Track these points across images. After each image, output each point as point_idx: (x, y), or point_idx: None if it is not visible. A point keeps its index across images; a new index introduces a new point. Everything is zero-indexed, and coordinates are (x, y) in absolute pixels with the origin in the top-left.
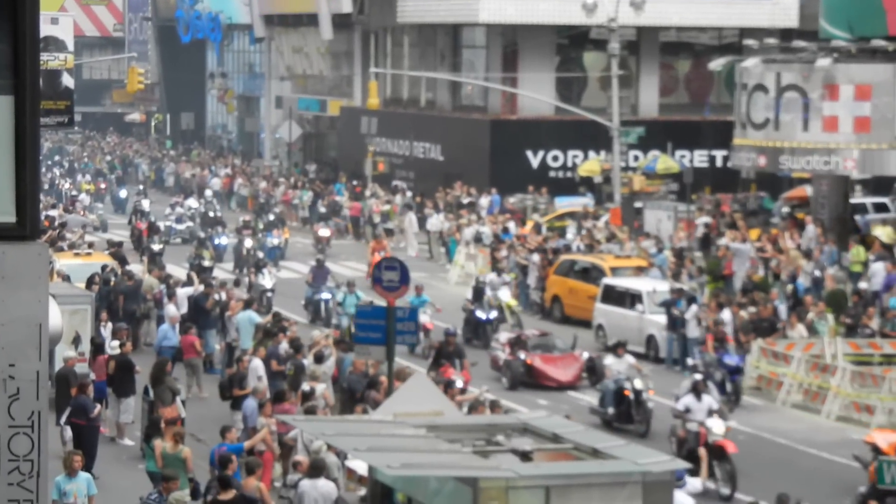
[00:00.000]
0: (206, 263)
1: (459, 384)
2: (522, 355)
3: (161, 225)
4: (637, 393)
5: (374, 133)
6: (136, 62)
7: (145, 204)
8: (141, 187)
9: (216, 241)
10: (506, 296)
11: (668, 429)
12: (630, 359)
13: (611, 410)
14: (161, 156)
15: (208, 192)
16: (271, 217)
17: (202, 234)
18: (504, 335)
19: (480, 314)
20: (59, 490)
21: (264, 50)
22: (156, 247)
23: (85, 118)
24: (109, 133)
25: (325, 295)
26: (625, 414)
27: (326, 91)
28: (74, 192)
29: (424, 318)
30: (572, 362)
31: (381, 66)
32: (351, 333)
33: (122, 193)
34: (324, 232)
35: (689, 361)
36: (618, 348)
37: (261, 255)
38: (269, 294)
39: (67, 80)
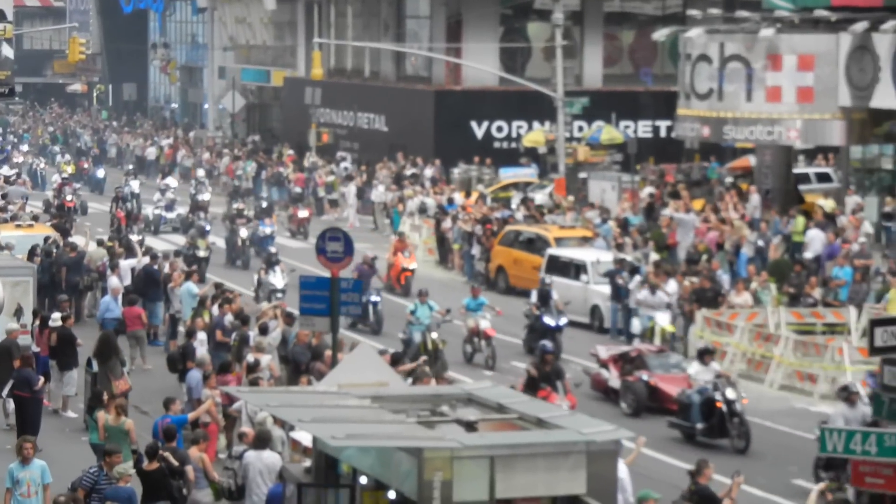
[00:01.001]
0: (202, 254)
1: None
2: (645, 376)
3: (150, 213)
4: (730, 403)
5: (318, 104)
6: (78, 32)
7: (134, 185)
8: (130, 167)
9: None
10: (664, 320)
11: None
12: (716, 366)
13: (699, 425)
14: (103, 127)
15: (200, 172)
16: (263, 204)
17: (203, 224)
18: (604, 350)
19: (549, 320)
20: (11, 478)
21: (207, 20)
22: (134, 237)
23: (26, 89)
24: (51, 104)
25: (374, 297)
26: (717, 428)
27: (270, 61)
28: (42, 168)
29: (485, 323)
30: (684, 382)
31: (325, 37)
32: (427, 350)
33: (100, 173)
34: (303, 213)
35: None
36: (704, 355)
37: (273, 250)
38: (280, 294)
39: (7, 51)
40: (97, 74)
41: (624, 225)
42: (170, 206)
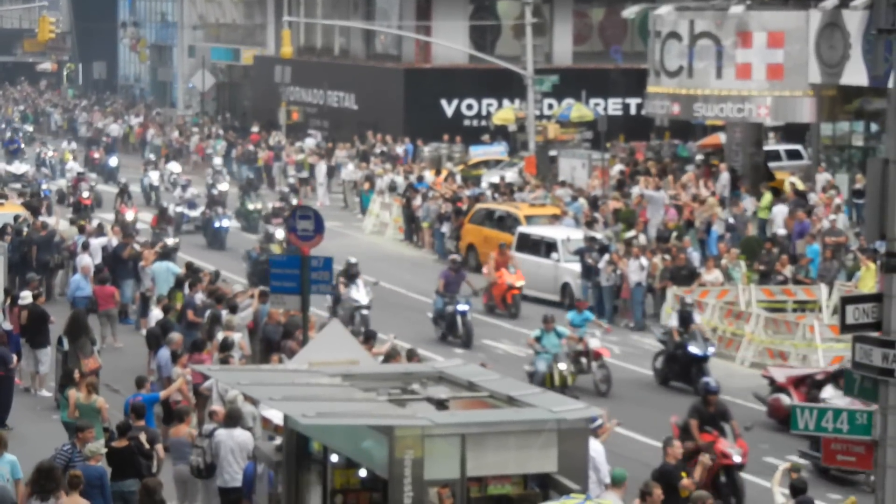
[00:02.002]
0: (170, 242)
1: (738, 459)
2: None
3: (170, 210)
4: None
5: (288, 82)
6: (47, 11)
7: (154, 177)
8: (151, 157)
9: (216, 225)
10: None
11: None
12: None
13: None
14: (74, 105)
15: (217, 161)
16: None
17: (270, 227)
18: (780, 372)
19: (695, 348)
20: None
21: None
22: (170, 241)
23: None
24: (20, 82)
25: (463, 306)
26: None
27: (239, 40)
28: (51, 156)
29: (594, 342)
30: None
31: (295, 15)
32: (553, 384)
33: (113, 161)
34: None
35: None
36: (838, 378)
37: (352, 260)
38: (365, 312)
39: None
40: (67, 53)
41: (594, 203)
42: (192, 204)
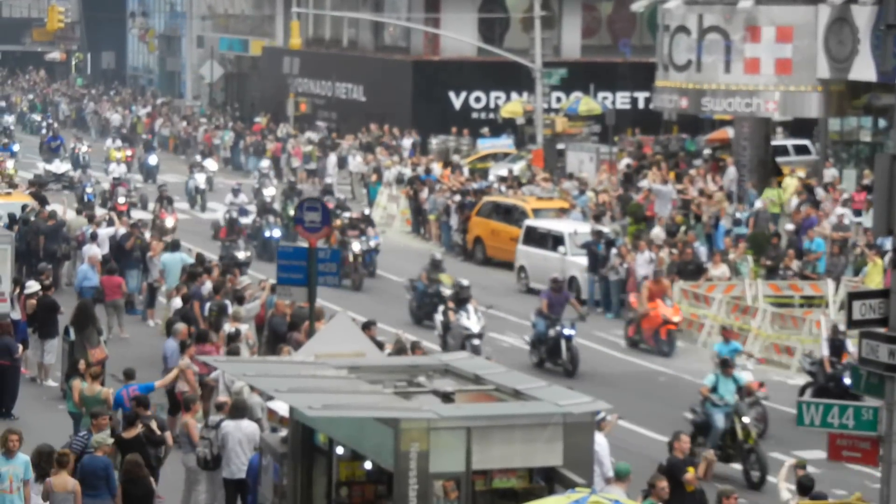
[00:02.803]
0: (447, 292)
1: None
2: None
3: (220, 218)
4: None
5: (296, 73)
6: (57, 0)
7: (200, 180)
8: (197, 157)
9: (267, 234)
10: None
11: None
12: None
13: None
14: (81, 95)
15: (264, 164)
16: (354, 212)
17: (436, 255)
18: None
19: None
20: None
21: None
22: (241, 254)
23: (5, 57)
24: (29, 71)
25: (569, 330)
26: None
27: (248, 31)
28: (85, 152)
29: (747, 375)
30: None
31: (303, 6)
32: (735, 442)
33: (152, 160)
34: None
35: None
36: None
37: (466, 284)
38: (477, 342)
39: None
40: (76, 43)
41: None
42: (244, 210)
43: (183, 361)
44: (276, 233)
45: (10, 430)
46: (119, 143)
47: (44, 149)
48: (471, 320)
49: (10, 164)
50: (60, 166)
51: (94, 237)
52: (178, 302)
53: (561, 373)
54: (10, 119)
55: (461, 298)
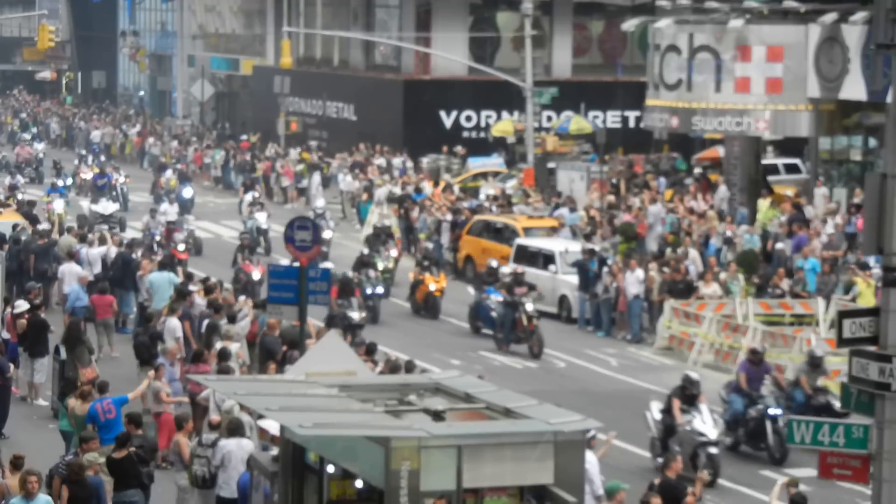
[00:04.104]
0: (355, 316)
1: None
2: None
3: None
4: None
5: (287, 92)
6: (47, 19)
7: (261, 219)
8: (256, 194)
9: (369, 291)
10: None
11: None
12: None
13: None
14: (72, 114)
15: (319, 203)
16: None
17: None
18: None
19: None
20: None
21: (176, 8)
22: (356, 315)
23: None
24: (19, 90)
25: (774, 409)
26: None
27: (239, 50)
28: (123, 183)
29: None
30: None
31: (294, 25)
32: None
33: (187, 192)
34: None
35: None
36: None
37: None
38: (715, 450)
39: None
40: (66, 62)
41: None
42: (323, 256)
43: (154, 384)
44: (380, 289)
45: (28, 471)
46: (169, 173)
47: (86, 187)
48: (706, 424)
49: (59, 204)
50: (108, 206)
51: (71, 255)
52: (174, 322)
53: (766, 459)
54: (39, 147)
55: (689, 395)
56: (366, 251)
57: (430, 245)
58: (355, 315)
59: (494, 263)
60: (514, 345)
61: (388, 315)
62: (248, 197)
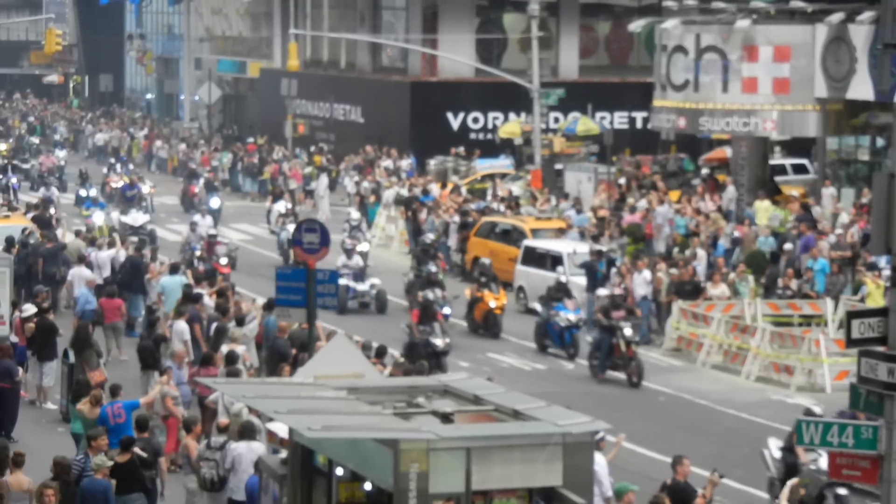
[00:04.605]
0: (439, 343)
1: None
2: None
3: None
4: None
5: (294, 95)
6: (54, 23)
7: (292, 231)
8: (288, 205)
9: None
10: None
11: None
12: None
13: None
14: (80, 118)
15: (354, 215)
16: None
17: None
18: None
19: None
20: None
21: (183, 11)
22: (440, 342)
23: (2, 80)
24: (27, 95)
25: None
26: None
27: (246, 52)
28: (149, 193)
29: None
30: None
31: (301, 28)
32: None
33: (214, 202)
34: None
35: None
36: None
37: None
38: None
39: None
40: (73, 65)
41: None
42: (359, 275)
43: (163, 388)
44: (447, 310)
45: (44, 484)
46: (200, 178)
47: (116, 197)
48: None
49: (98, 217)
50: (138, 217)
51: (81, 259)
52: (181, 325)
53: None
54: (61, 155)
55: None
56: (412, 272)
57: (486, 261)
58: (439, 342)
59: (563, 279)
60: (610, 372)
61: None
62: (279, 207)
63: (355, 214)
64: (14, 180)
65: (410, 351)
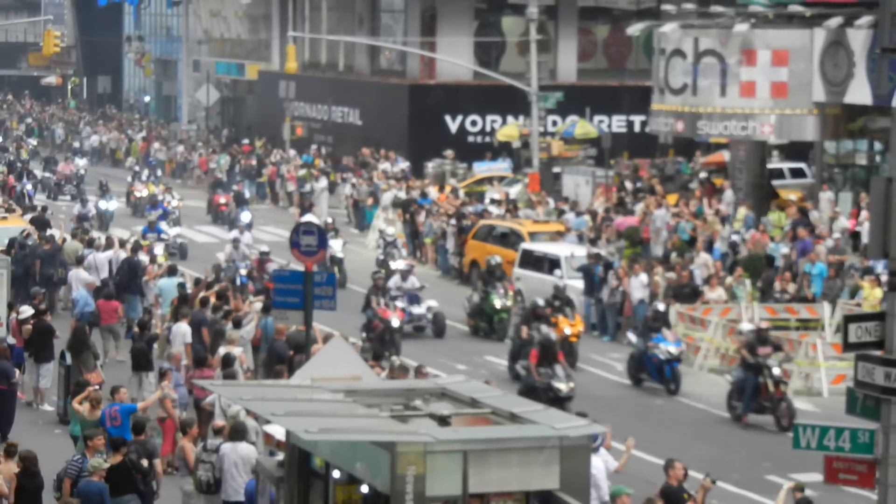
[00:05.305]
0: (562, 388)
1: None
2: None
3: (393, 320)
4: None
5: (293, 97)
6: (53, 25)
7: (336, 247)
8: (329, 219)
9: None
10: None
11: None
12: None
13: None
14: (78, 119)
15: (390, 230)
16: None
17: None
18: None
19: None
20: None
21: (182, 13)
22: (563, 386)
23: (0, 81)
24: (25, 97)
25: None
26: None
27: (244, 55)
28: (176, 206)
29: None
30: None
31: (300, 30)
32: None
33: (245, 216)
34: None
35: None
36: None
37: None
38: None
39: None
40: (72, 67)
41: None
42: (415, 297)
43: (162, 391)
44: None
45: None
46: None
47: (140, 205)
48: None
49: (160, 248)
50: (168, 231)
51: (80, 261)
52: (183, 326)
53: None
54: (81, 163)
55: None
56: (476, 294)
57: (561, 284)
58: (562, 386)
59: (662, 307)
60: (755, 415)
61: (591, 386)
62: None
63: (390, 230)
64: (29, 187)
65: (529, 395)
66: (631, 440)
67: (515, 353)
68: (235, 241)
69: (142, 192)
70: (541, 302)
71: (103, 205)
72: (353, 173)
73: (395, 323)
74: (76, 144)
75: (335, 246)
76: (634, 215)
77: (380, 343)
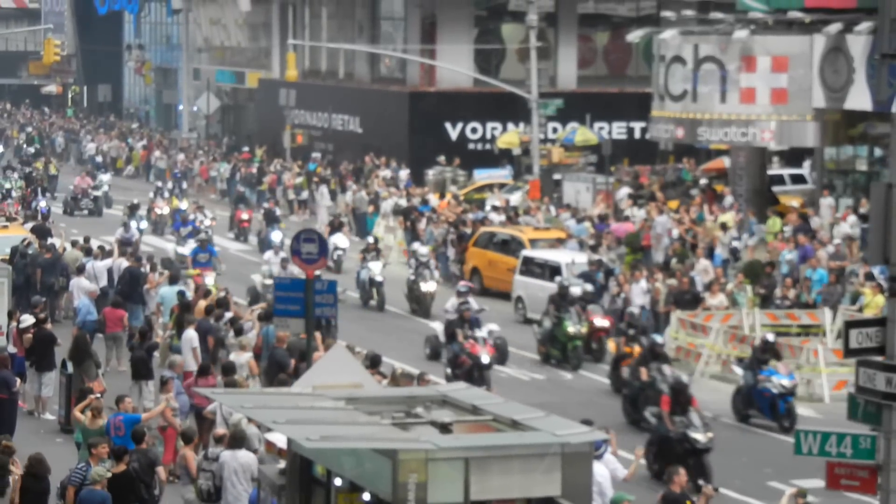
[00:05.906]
0: (700, 438)
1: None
2: None
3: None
4: None
5: (293, 105)
6: (53, 34)
7: (375, 270)
8: (370, 239)
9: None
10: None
11: None
12: None
13: None
14: (78, 128)
15: (422, 250)
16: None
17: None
18: None
19: None
20: None
21: (182, 22)
22: (702, 438)
23: (1, 90)
24: (25, 106)
25: None
26: None
27: (244, 63)
28: (208, 226)
29: None
30: None
31: (300, 38)
32: None
33: (276, 236)
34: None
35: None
36: None
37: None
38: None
39: None
40: (72, 76)
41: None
42: (476, 321)
43: (167, 402)
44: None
45: None
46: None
47: (162, 222)
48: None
49: (210, 279)
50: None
51: (80, 270)
52: (189, 332)
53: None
54: (105, 178)
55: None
56: (547, 320)
57: (635, 311)
58: (700, 436)
59: (771, 337)
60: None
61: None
62: (340, 241)
63: (423, 250)
64: (43, 203)
65: (663, 444)
66: (640, 449)
67: (634, 397)
68: (284, 262)
69: (163, 209)
70: (659, 339)
71: (134, 224)
72: (347, 181)
73: (486, 359)
74: (98, 158)
75: (374, 268)
76: (629, 221)
77: (467, 380)
